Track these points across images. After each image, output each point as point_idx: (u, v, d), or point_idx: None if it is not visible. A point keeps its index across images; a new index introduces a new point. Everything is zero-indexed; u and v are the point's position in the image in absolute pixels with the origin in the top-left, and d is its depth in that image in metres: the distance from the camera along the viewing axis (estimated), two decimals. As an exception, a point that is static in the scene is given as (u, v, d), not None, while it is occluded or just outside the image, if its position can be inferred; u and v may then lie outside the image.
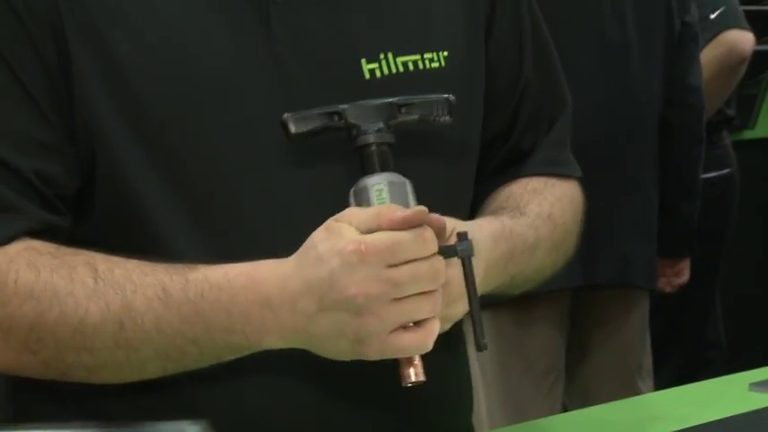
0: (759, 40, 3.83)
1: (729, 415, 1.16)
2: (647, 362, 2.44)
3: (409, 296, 0.96)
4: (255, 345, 1.00)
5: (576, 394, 2.37)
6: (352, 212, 0.98)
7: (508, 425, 1.36)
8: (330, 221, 0.97)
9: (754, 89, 3.89)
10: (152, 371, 1.02)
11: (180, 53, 1.02)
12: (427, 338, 0.97)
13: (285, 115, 1.00)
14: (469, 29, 1.14)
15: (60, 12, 1.01)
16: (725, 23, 2.78)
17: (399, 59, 1.08)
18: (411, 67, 1.08)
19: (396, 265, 0.95)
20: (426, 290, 0.96)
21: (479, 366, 2.26)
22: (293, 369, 1.06)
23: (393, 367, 1.05)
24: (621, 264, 2.24)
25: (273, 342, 0.99)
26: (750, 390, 1.40)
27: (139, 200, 1.03)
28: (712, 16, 2.77)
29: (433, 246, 0.97)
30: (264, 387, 1.06)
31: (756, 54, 3.84)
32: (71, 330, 0.99)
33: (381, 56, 1.07)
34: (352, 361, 1.02)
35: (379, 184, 0.99)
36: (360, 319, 0.95)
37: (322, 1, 1.07)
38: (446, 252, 0.97)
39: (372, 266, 0.95)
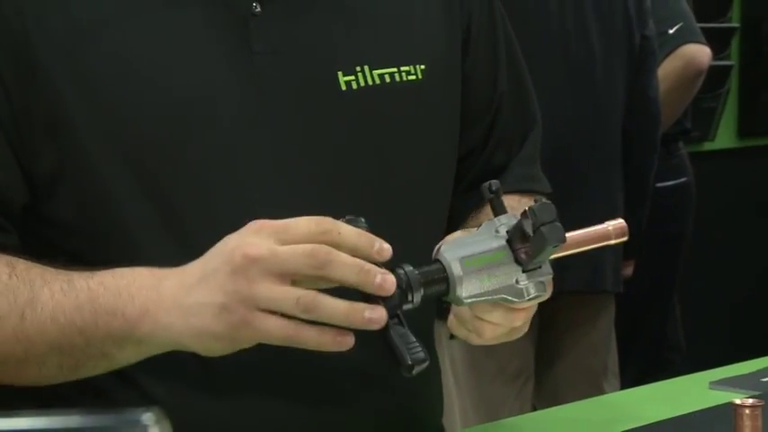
0: (717, 55, 3.86)
1: (690, 411, 1.17)
2: (613, 363, 2.45)
3: (285, 281, 0.90)
4: (132, 329, 0.95)
5: (545, 395, 2.38)
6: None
7: (480, 424, 1.36)
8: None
9: (714, 102, 3.92)
10: (51, 370, 0.99)
11: (158, 65, 1.02)
12: (285, 330, 0.92)
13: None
14: (448, 45, 1.14)
15: (29, 34, 0.99)
16: (683, 38, 2.81)
17: (376, 72, 1.07)
18: (387, 79, 1.08)
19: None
20: (302, 272, 0.90)
21: (452, 369, 2.26)
22: (260, 374, 1.04)
23: (363, 371, 1.05)
24: (591, 270, 2.25)
25: (148, 328, 0.94)
26: (710, 388, 1.40)
27: (114, 211, 1.01)
28: (671, 31, 2.80)
29: (334, 233, 0.91)
30: (231, 394, 1.04)
31: (715, 69, 3.87)
32: None
33: (358, 68, 1.07)
34: (320, 365, 1.01)
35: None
36: (233, 279, 0.90)
37: (300, 14, 1.06)
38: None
39: (263, 236, 0.91)
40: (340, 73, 1.06)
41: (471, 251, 0.95)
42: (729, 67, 3.95)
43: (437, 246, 0.97)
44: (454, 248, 0.95)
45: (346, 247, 0.91)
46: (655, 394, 1.44)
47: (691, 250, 3.16)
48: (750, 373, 1.44)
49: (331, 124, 1.05)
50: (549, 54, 2.18)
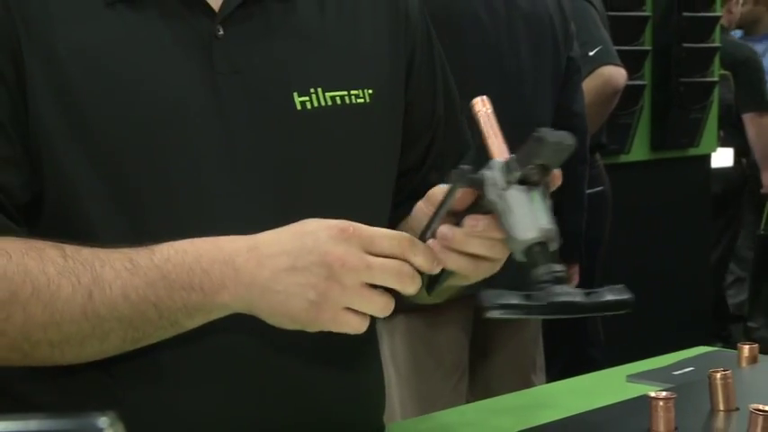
0: (632, 75, 3.91)
1: (610, 403, 1.17)
2: (540, 359, 2.46)
3: (371, 286, 0.95)
4: (210, 302, 0.96)
5: (479, 389, 2.38)
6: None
7: (419, 416, 1.36)
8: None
9: (629, 119, 3.96)
10: (112, 343, 0.98)
11: (128, 80, 1.01)
12: (363, 327, 0.97)
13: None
14: (392, 72, 1.15)
15: (18, 34, 0.99)
16: (601, 60, 2.86)
17: (328, 94, 1.08)
18: (339, 101, 1.08)
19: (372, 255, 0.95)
20: (388, 284, 0.95)
21: (393, 364, 2.25)
22: (205, 366, 1.03)
23: (305, 367, 1.04)
24: (522, 271, 2.25)
25: (227, 299, 0.96)
26: (627, 381, 1.42)
27: (84, 215, 1.01)
28: (591, 53, 2.85)
29: (410, 252, 0.96)
30: (176, 387, 1.04)
31: (630, 88, 3.92)
32: (42, 305, 0.95)
33: (312, 90, 1.07)
34: (264, 360, 1.01)
35: None
36: (328, 284, 0.94)
37: (260, 39, 1.07)
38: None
39: (354, 246, 0.94)
40: (295, 94, 1.06)
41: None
42: (643, 87, 4.00)
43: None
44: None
45: (416, 264, 0.96)
46: (577, 387, 1.44)
47: (609, 252, 3.19)
48: (664, 367, 1.46)
49: (286, 140, 1.06)
50: (482, 67, 2.18)
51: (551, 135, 0.89)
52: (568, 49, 2.39)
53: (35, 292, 0.95)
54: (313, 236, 0.95)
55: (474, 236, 0.95)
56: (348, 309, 0.95)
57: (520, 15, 2.26)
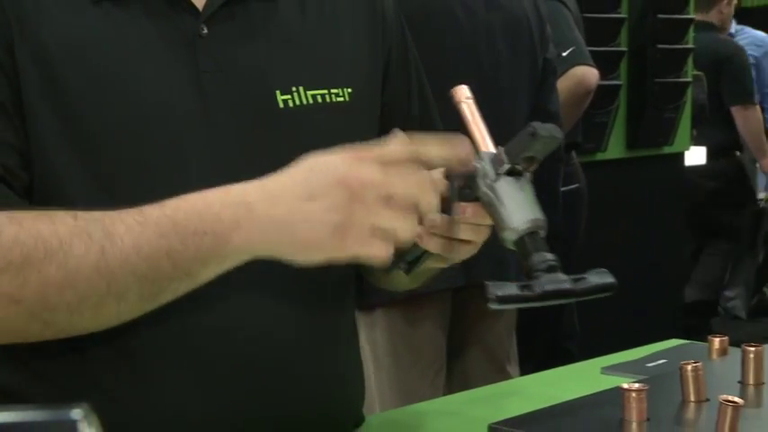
0: (608, 76, 3.92)
1: (584, 394, 1.18)
2: (514, 351, 2.47)
3: (395, 207, 0.91)
4: (223, 245, 0.93)
5: (456, 383, 2.38)
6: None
7: (398, 408, 1.36)
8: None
9: (605, 118, 3.98)
10: (131, 301, 0.95)
11: (114, 77, 1.01)
12: (388, 254, 0.93)
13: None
14: (370, 72, 1.15)
15: (12, 33, 0.99)
16: (574, 60, 2.87)
17: (309, 93, 1.08)
18: (319, 99, 1.09)
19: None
20: (411, 202, 0.92)
21: (373, 357, 2.25)
22: (181, 355, 1.03)
23: (285, 358, 1.03)
24: (499, 265, 2.26)
25: (241, 241, 0.93)
26: (602, 373, 1.42)
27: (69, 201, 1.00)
28: (564, 54, 2.86)
29: (422, 151, 0.93)
30: (152, 374, 1.03)
31: (606, 88, 3.93)
32: (56, 266, 0.93)
33: (294, 89, 1.07)
34: (243, 351, 1.00)
35: None
36: (351, 204, 0.91)
37: (243, 39, 1.07)
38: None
39: (371, 164, 0.92)
40: (278, 92, 1.07)
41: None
42: (618, 87, 4.01)
43: None
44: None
45: (432, 155, 0.94)
46: (553, 379, 1.45)
47: (585, 247, 3.20)
48: (638, 360, 1.47)
49: (270, 137, 1.06)
50: (460, 66, 2.19)
51: (543, 129, 0.91)
52: (544, 51, 2.40)
53: (48, 253, 0.92)
54: (325, 164, 0.93)
55: (461, 222, 0.96)
56: (374, 232, 0.91)
57: (498, 16, 2.26)
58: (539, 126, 0.90)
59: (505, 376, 2.32)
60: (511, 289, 0.90)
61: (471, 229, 0.97)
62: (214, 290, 0.97)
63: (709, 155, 4.66)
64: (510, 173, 0.94)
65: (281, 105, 1.07)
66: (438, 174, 0.97)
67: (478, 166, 0.94)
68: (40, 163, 1.01)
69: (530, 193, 0.94)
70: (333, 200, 0.91)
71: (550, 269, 0.91)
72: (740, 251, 4.80)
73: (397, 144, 0.94)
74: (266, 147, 1.06)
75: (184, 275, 0.95)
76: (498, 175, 0.93)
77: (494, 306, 0.89)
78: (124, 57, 1.02)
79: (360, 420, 1.23)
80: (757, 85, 4.90)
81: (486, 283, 0.90)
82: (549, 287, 0.90)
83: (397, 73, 1.20)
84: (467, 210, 0.96)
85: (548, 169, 2.50)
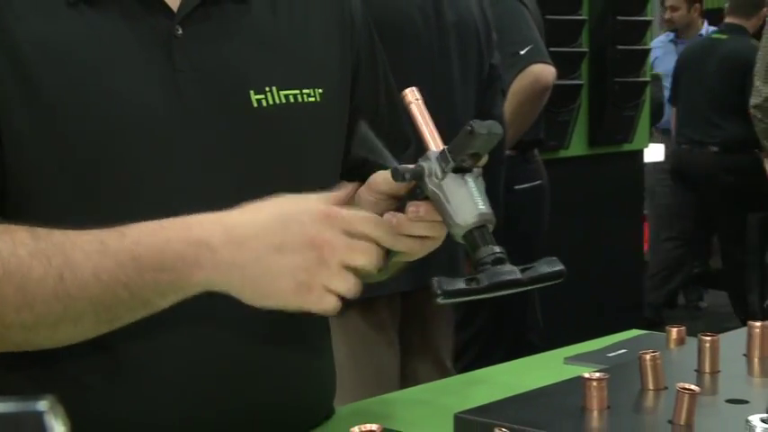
0: (570, 75, 3.94)
1: (548, 383, 1.19)
2: (451, 343, 2.49)
3: (348, 266, 0.95)
4: (184, 281, 0.94)
5: (410, 381, 2.38)
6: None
7: (372, 397, 1.37)
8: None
9: (568, 116, 4.01)
10: (86, 325, 0.96)
11: (91, 76, 1.01)
12: (338, 307, 0.96)
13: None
14: (341, 73, 1.16)
15: None
16: (531, 58, 2.86)
17: (282, 92, 1.09)
18: (292, 99, 1.09)
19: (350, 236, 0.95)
20: (362, 264, 0.95)
21: (347, 340, 2.24)
22: (159, 348, 1.03)
23: (258, 351, 1.03)
24: (450, 268, 2.26)
25: (201, 278, 0.94)
26: (564, 363, 1.44)
27: (44, 209, 1.00)
28: (522, 52, 2.85)
29: (380, 231, 0.96)
30: (127, 371, 1.03)
31: (568, 87, 3.96)
32: (14, 287, 0.92)
33: (267, 88, 1.08)
34: (217, 344, 1.00)
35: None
36: (317, 267, 0.93)
37: (217, 39, 1.07)
38: None
39: (337, 228, 0.95)
40: (252, 91, 1.07)
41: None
42: (580, 86, 4.04)
43: None
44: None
45: (383, 242, 0.97)
46: (517, 369, 1.46)
47: (548, 242, 3.22)
48: (599, 350, 1.48)
49: (245, 136, 1.06)
50: (416, 68, 2.19)
51: (481, 126, 0.91)
52: (490, 56, 2.40)
53: (6, 273, 0.92)
54: (297, 218, 0.95)
55: (417, 220, 0.97)
56: (330, 291, 0.95)
57: (450, 22, 2.27)
58: (476, 124, 0.91)
59: (448, 370, 2.34)
60: (457, 283, 0.91)
61: (427, 225, 0.98)
62: None
63: (728, 149, 4.57)
64: (456, 170, 0.94)
65: (255, 104, 1.07)
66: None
67: (426, 165, 0.95)
68: (16, 165, 1.00)
69: (475, 187, 0.94)
70: (302, 259, 0.93)
71: (497, 261, 0.92)
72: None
73: (365, 217, 0.97)
74: (242, 145, 1.06)
75: (141, 305, 0.96)
76: (444, 173, 0.94)
77: (440, 300, 0.90)
78: (100, 57, 1.02)
79: (330, 412, 1.23)
80: None
81: (432, 279, 0.91)
82: (496, 279, 0.91)
83: (366, 74, 1.20)
84: (420, 208, 0.97)
85: (488, 172, 2.51)
